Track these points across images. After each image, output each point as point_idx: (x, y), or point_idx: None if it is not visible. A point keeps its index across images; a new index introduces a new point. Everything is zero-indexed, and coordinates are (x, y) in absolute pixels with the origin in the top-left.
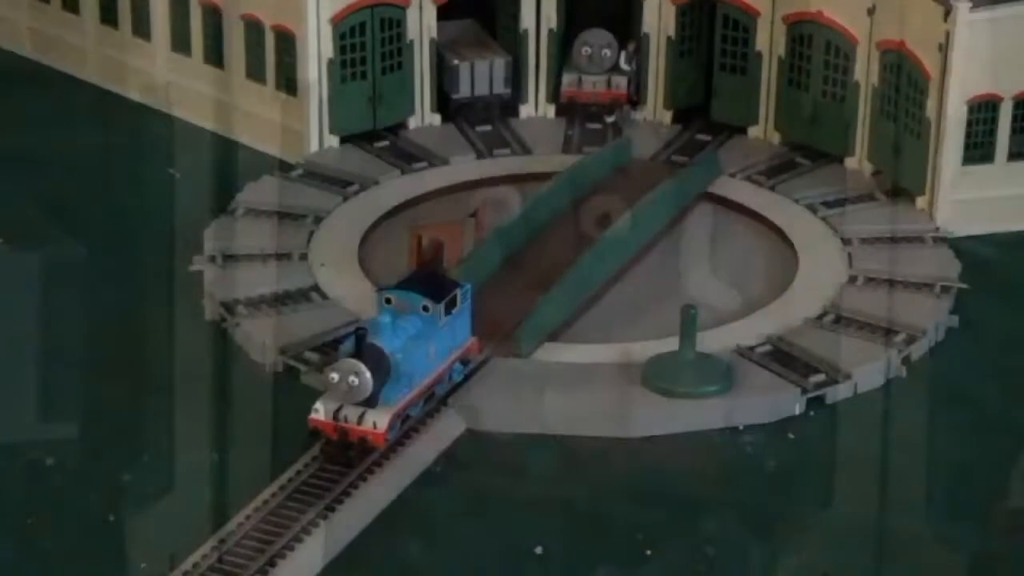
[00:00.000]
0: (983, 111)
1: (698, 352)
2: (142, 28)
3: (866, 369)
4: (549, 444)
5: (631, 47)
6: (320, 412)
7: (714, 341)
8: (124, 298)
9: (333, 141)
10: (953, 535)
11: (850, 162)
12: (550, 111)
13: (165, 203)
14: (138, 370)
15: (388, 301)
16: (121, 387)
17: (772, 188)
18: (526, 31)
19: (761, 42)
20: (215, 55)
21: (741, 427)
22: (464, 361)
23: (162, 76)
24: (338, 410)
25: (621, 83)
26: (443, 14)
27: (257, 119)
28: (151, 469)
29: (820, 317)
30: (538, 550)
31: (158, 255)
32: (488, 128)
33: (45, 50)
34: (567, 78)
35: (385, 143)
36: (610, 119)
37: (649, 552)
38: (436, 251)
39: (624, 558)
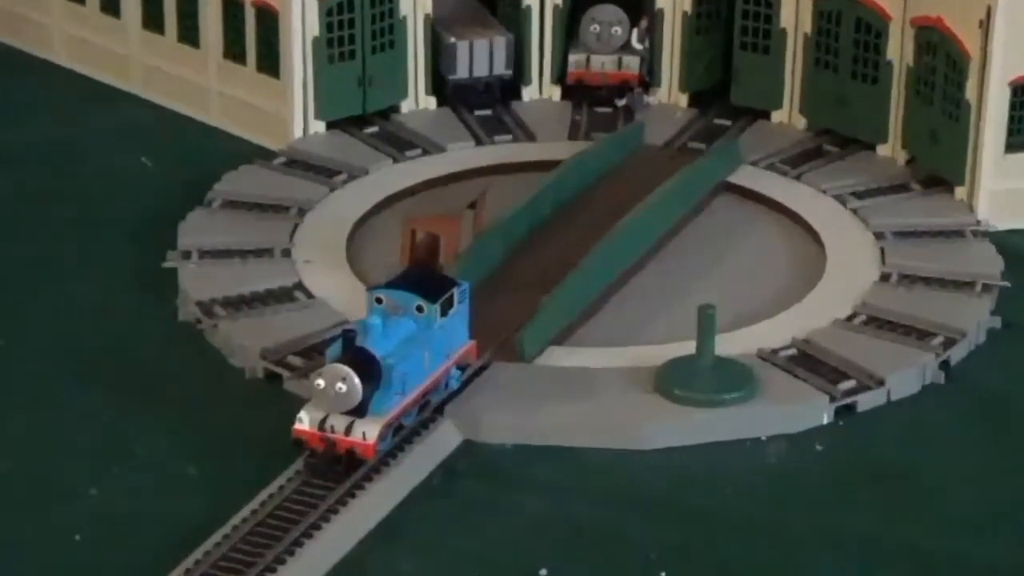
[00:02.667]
0: None
1: (717, 356)
2: (111, 4)
3: (900, 375)
4: (554, 457)
5: (643, 24)
6: (305, 422)
7: (734, 344)
8: (91, 297)
9: (319, 127)
10: (994, 557)
11: (882, 149)
12: (555, 94)
13: (136, 194)
14: (106, 375)
15: (379, 301)
16: (88, 394)
17: (797, 178)
18: (529, 7)
19: (786, 18)
20: (190, 34)
21: (764, 438)
22: (461, 366)
23: (133, 56)
24: (324, 419)
25: (632, 63)
26: None
27: (236, 103)
28: (120, 483)
29: (850, 318)
30: (543, 572)
31: (128, 251)
32: (488, 112)
33: (8, 31)
34: (574, 58)
35: (375, 129)
36: (620, 103)
37: (663, 574)
38: (431, 246)
39: None
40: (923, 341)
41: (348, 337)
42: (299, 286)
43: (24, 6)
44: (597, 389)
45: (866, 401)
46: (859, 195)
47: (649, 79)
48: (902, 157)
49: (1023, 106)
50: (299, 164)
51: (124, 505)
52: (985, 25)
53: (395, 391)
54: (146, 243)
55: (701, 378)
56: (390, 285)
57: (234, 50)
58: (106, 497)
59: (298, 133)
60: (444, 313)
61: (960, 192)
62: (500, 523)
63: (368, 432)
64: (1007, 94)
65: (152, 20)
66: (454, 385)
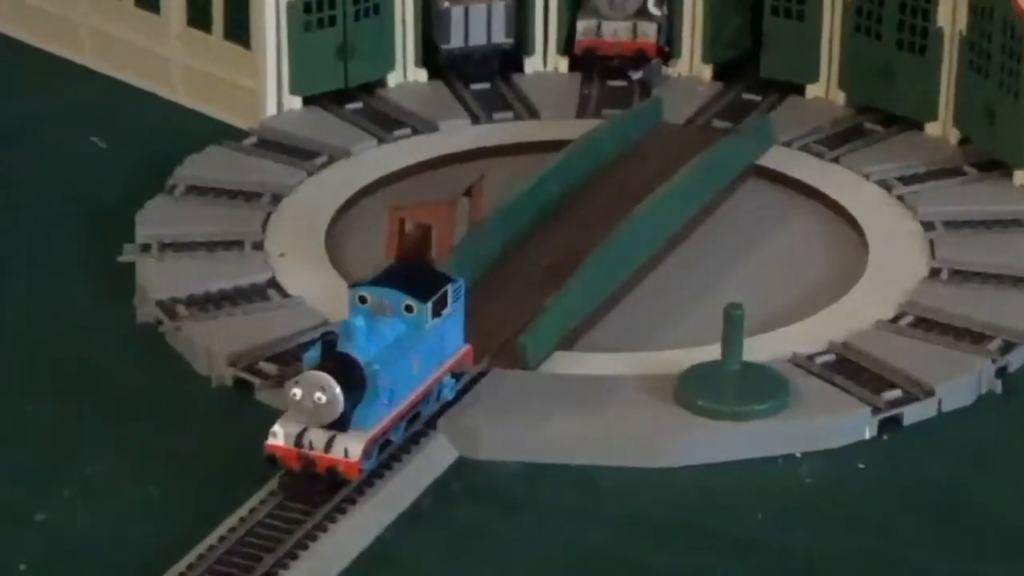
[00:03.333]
0: None
1: (745, 362)
2: None
3: (952, 384)
4: (562, 477)
5: None
6: (279, 436)
7: (765, 348)
8: (37, 297)
9: (294, 102)
10: None
11: (932, 128)
12: (562, 65)
13: (87, 180)
14: (55, 385)
15: (362, 300)
16: (34, 406)
17: (836, 160)
18: None
19: None
20: None
21: (799, 455)
22: (456, 374)
23: (84, 24)
24: (301, 434)
25: (649, 31)
26: None
27: (201, 76)
28: (70, 507)
29: (895, 319)
30: None
31: (79, 244)
32: (486, 86)
33: None
34: (583, 25)
35: (359, 105)
36: (636, 75)
37: None
38: (422, 238)
39: None
40: (978, 345)
41: (328, 341)
42: (272, 283)
43: None
44: (610, 400)
45: (914, 413)
46: (905, 180)
47: (668, 49)
48: (954, 137)
49: None
50: (272, 145)
51: (75, 531)
52: None
53: (381, 401)
54: (99, 235)
55: (727, 387)
56: (375, 282)
57: (198, 16)
58: (55, 523)
59: (271, 110)
60: (436, 313)
61: (1020, 176)
62: (500, 553)
63: (351, 448)
64: None
65: None
66: (448, 395)
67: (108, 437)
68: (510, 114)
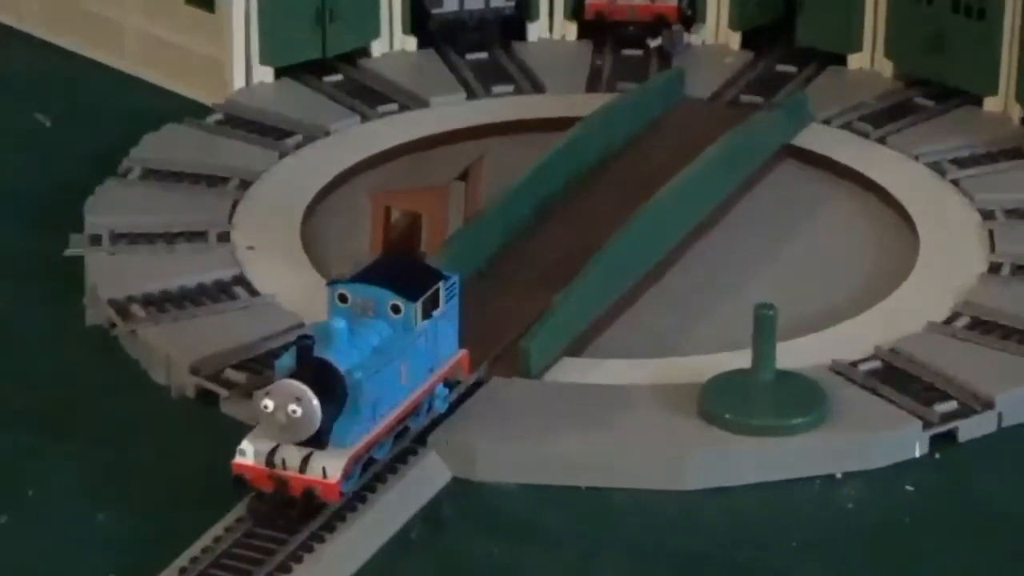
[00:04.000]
0: None
1: (778, 370)
2: None
3: (1014, 394)
4: (571, 501)
5: None
6: (248, 454)
7: (801, 354)
8: None
9: (266, 74)
10: None
11: (991, 103)
12: (570, 32)
13: (30, 162)
14: None
15: (343, 299)
16: None
17: (882, 140)
18: None
19: None
20: None
21: (839, 475)
22: (450, 383)
23: None
24: (273, 452)
25: None
26: None
27: (158, 44)
28: (9, 535)
29: (949, 321)
30: None
31: (20, 235)
32: (483, 56)
33: None
34: None
35: (339, 78)
36: (654, 43)
37: None
38: (411, 229)
39: None
40: None
41: (303, 346)
42: (240, 280)
43: None
44: (624, 413)
45: (970, 428)
46: (961, 162)
47: (691, 13)
48: (1016, 113)
49: None
50: (240, 123)
51: (15, 561)
52: None
53: (364, 415)
54: (41, 225)
55: (758, 399)
56: (357, 279)
57: None
58: None
59: (239, 83)
60: (427, 314)
61: None
62: None
63: (330, 468)
64: None
65: None
66: (440, 407)
67: (53, 456)
68: (511, 88)
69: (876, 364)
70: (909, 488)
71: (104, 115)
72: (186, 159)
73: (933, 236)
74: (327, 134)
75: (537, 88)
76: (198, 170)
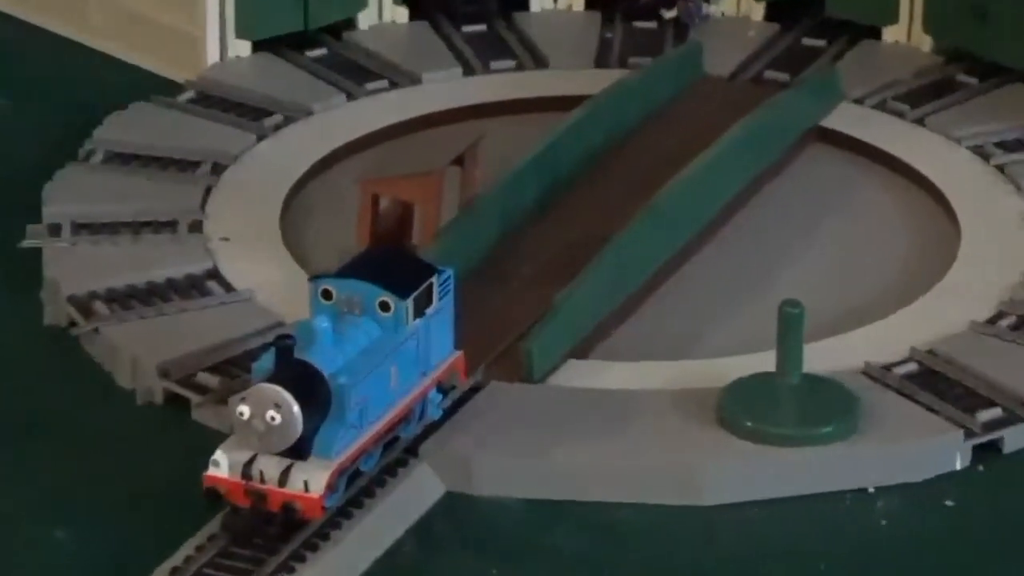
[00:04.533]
0: None
1: (806, 374)
2: None
3: None
4: (577, 517)
5: None
6: (222, 466)
7: (831, 356)
8: None
9: (242, 48)
10: None
11: None
12: (577, 2)
13: None
14: None
15: (327, 295)
16: None
17: (920, 121)
18: None
19: None
20: None
21: (871, 489)
22: (444, 388)
23: None
24: (250, 463)
25: None
26: None
27: (125, 16)
28: None
29: (993, 320)
30: None
31: None
32: (481, 28)
33: None
34: None
35: (322, 52)
36: (669, 14)
37: None
38: (401, 219)
39: None
40: None
41: (283, 347)
42: (214, 274)
43: None
44: (636, 420)
45: (1016, 438)
46: (1007, 146)
47: None
48: None
49: None
50: (214, 101)
51: None
52: None
53: (350, 423)
54: None
55: (783, 405)
56: (343, 273)
57: None
58: None
59: (213, 58)
60: (419, 312)
61: None
62: None
63: (312, 481)
64: None
65: None
66: (434, 415)
67: (6, 466)
68: (511, 63)
69: (913, 367)
70: (949, 504)
71: (65, 93)
72: (155, 141)
73: (976, 227)
74: (309, 114)
75: (540, 64)
76: (168, 153)
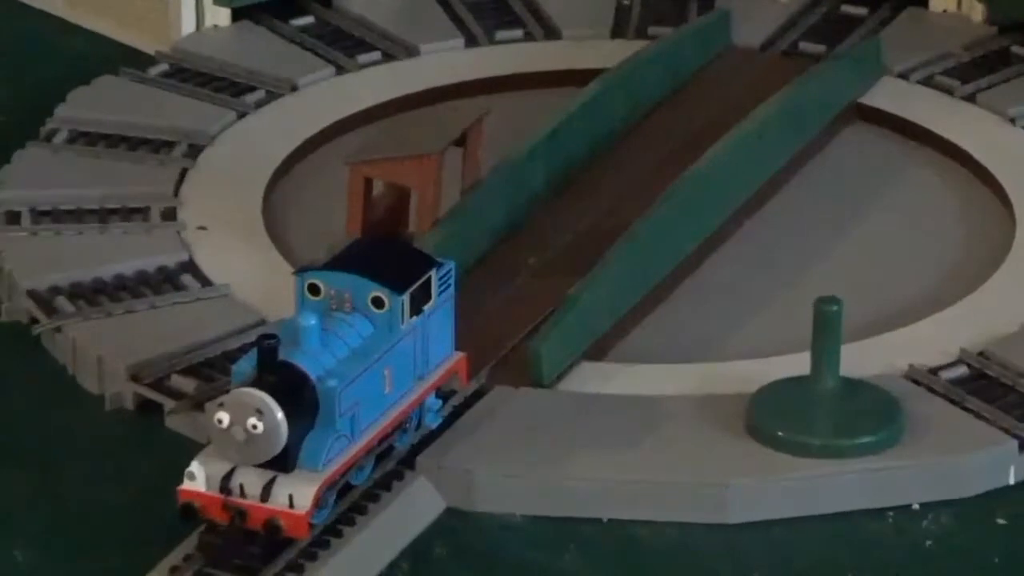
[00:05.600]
0: None
1: (844, 378)
2: None
3: None
4: (590, 537)
5: None
6: (198, 479)
7: (872, 359)
8: None
9: (220, 16)
10: None
11: None
12: None
13: None
14: None
15: (315, 290)
16: None
17: (971, 98)
18: None
19: None
20: None
21: (916, 506)
22: (443, 393)
23: None
24: (229, 475)
25: None
26: None
27: None
28: None
29: None
30: None
31: None
32: None
33: None
34: None
35: (309, 20)
36: None
37: None
38: (396, 206)
39: None
40: None
41: (266, 347)
42: (189, 266)
43: None
44: (656, 430)
45: None
46: None
47: None
48: None
49: None
50: (189, 75)
51: None
52: None
53: (340, 431)
54: None
55: (819, 413)
56: (331, 266)
57: None
58: None
59: (188, 28)
60: (416, 309)
61: None
62: None
63: (297, 496)
64: None
65: None
66: (432, 423)
67: None
68: (518, 33)
69: (962, 371)
70: (1001, 521)
71: (25, 66)
72: (123, 119)
73: None
74: (295, 89)
75: (550, 34)
76: (138, 133)
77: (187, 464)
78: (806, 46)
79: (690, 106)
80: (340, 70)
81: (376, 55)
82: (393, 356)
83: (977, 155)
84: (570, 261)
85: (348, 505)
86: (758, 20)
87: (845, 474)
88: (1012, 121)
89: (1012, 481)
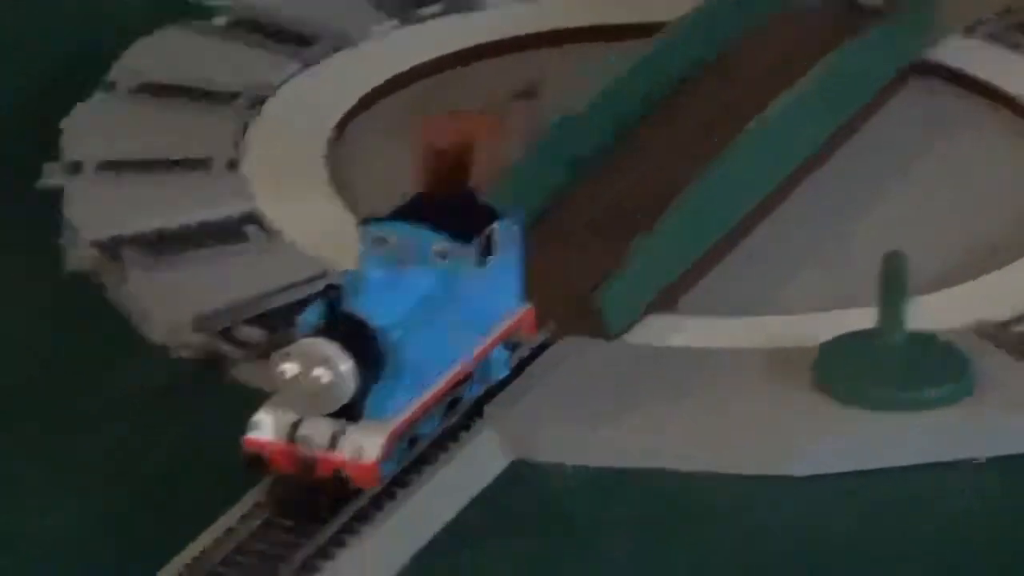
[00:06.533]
0: None
1: (911, 332)
2: None
3: None
4: (656, 489)
5: None
6: (264, 429)
7: (938, 312)
8: None
9: None
10: None
11: None
12: None
13: None
14: None
15: (380, 241)
16: None
17: None
18: None
19: None
20: None
21: (983, 460)
22: (510, 344)
23: None
24: (296, 426)
25: None
26: None
27: None
28: None
29: None
30: None
31: None
32: None
33: None
34: None
35: None
36: None
37: None
38: (461, 158)
39: None
40: None
41: (331, 298)
42: (253, 217)
43: None
44: (721, 382)
45: None
46: None
47: None
48: None
49: None
50: (254, 26)
51: None
52: None
53: (407, 382)
54: (9, 150)
55: (886, 366)
56: (396, 216)
57: None
58: None
59: None
60: (483, 261)
61: None
62: None
63: (366, 446)
64: None
65: None
66: (499, 374)
67: (21, 430)
68: None
69: None
70: None
71: (86, 14)
72: (187, 70)
73: None
74: (358, 42)
75: None
76: (201, 84)
77: (253, 414)
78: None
79: (751, 61)
80: (404, 21)
81: (439, 7)
82: (459, 308)
83: None
84: (634, 213)
85: (415, 456)
86: None
87: (912, 428)
88: None
89: None
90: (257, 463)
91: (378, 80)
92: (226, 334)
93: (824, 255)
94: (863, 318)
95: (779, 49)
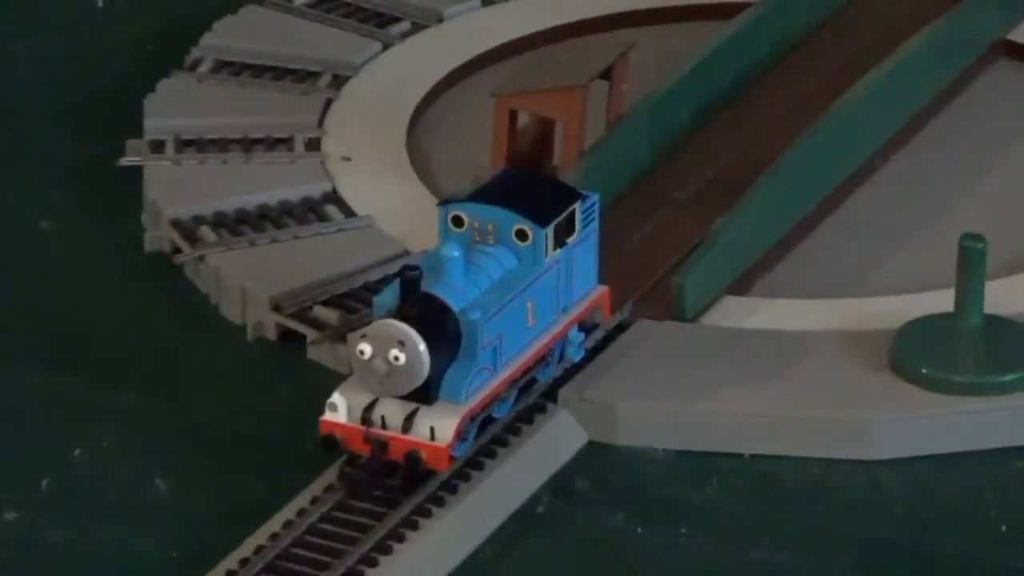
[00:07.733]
0: None
1: (988, 315)
2: None
3: None
4: (731, 471)
5: None
6: (340, 410)
7: (1015, 297)
8: (6, 213)
9: None
10: None
11: None
12: None
13: (79, 52)
14: (29, 341)
15: (458, 222)
16: (4, 366)
17: None
18: None
19: None
20: None
21: None
22: (586, 326)
23: None
24: (370, 407)
25: None
26: None
27: None
28: (51, 504)
29: None
30: None
31: (64, 141)
32: None
33: None
34: None
35: None
36: None
37: None
38: (541, 137)
39: None
40: None
41: (409, 279)
42: (333, 197)
43: None
44: (798, 365)
45: None
46: None
47: None
48: None
49: None
50: (335, 5)
51: (56, 535)
52: None
53: (482, 364)
54: (92, 128)
55: (963, 349)
56: (475, 197)
57: None
58: (29, 523)
59: None
60: (560, 242)
61: None
62: (643, 569)
63: (439, 428)
64: None
65: None
66: (575, 356)
67: (103, 410)
68: None
69: None
70: None
71: None
72: (268, 49)
73: None
74: (440, 20)
75: None
76: (283, 63)
77: (328, 395)
78: None
79: (839, 39)
80: (486, 1)
81: None
82: (536, 289)
83: None
84: (714, 195)
85: (489, 438)
86: None
87: (989, 411)
88: None
89: None
90: (332, 444)
91: (460, 60)
92: (303, 315)
93: (904, 236)
94: (941, 301)
95: (867, 26)
